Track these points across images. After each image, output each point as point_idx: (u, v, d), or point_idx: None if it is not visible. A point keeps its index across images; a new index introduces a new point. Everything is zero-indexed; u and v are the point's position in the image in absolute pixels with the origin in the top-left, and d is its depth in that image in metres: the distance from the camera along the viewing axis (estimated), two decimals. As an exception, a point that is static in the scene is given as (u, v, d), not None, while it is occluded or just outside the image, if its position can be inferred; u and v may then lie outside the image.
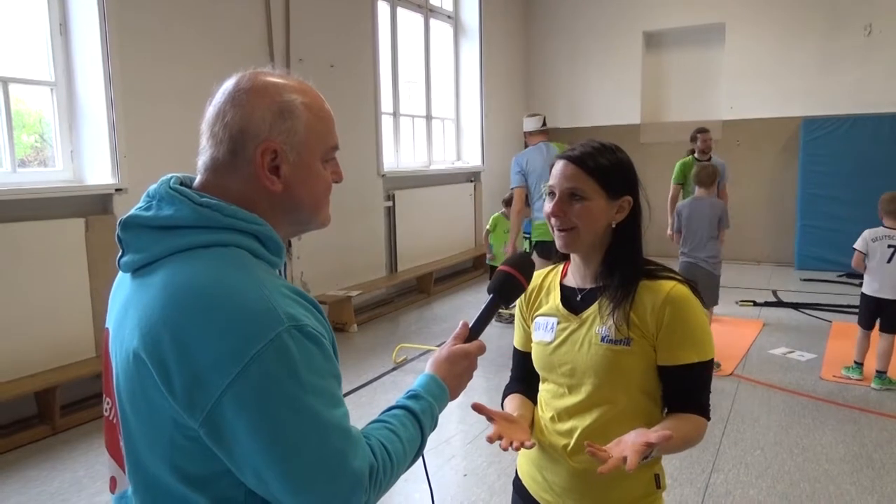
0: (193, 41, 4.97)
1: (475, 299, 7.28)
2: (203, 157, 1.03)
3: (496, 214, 6.56)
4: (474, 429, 3.93)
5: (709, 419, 1.42)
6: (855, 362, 4.63)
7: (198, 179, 1.04)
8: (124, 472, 1.04)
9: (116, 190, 4.43)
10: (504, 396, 1.64)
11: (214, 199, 0.98)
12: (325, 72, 6.25)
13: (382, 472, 0.98)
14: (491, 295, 1.37)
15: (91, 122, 4.46)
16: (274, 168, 1.00)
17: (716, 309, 5.45)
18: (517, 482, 1.62)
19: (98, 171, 4.49)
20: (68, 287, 4.19)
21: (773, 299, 6.98)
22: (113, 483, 1.10)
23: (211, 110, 1.03)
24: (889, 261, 4.36)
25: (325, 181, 1.07)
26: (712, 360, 1.42)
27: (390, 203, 7.33)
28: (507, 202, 6.47)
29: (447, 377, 1.20)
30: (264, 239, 1.00)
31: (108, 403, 1.08)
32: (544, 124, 5.62)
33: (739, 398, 4.34)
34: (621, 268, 1.43)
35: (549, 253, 4.09)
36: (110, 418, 1.08)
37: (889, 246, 4.37)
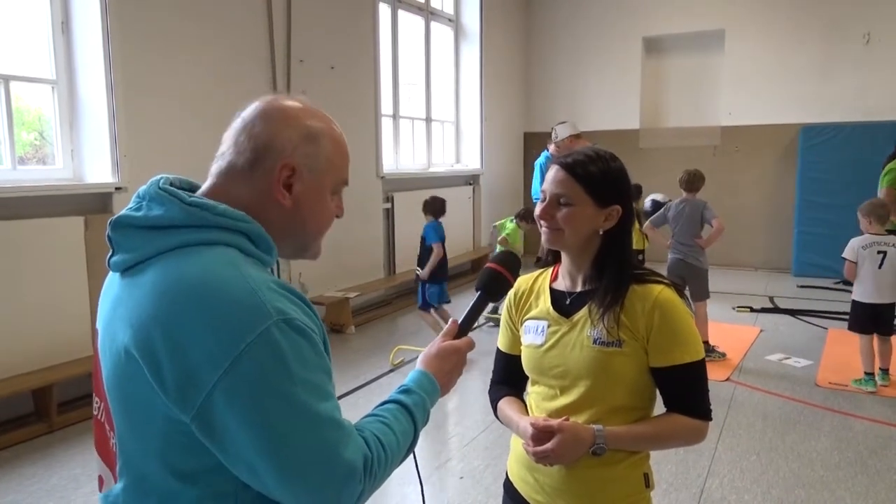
0: (195, 41, 4.98)
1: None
2: (219, 163, 1.05)
3: (512, 225, 6.32)
4: (470, 431, 3.93)
5: (708, 419, 1.46)
6: (866, 373, 4.53)
7: (207, 183, 1.06)
8: (112, 471, 1.04)
9: (116, 188, 4.44)
10: (495, 401, 1.65)
11: (204, 198, 1.00)
12: (326, 73, 6.27)
13: (377, 463, 0.99)
14: (478, 292, 1.40)
15: (91, 120, 4.46)
16: (287, 185, 1.03)
17: (712, 314, 5.47)
18: (508, 483, 1.63)
19: (98, 170, 4.49)
20: (67, 285, 4.19)
21: (769, 305, 7.00)
22: (101, 482, 1.11)
23: (238, 122, 1.06)
24: (880, 266, 4.41)
25: (330, 212, 1.11)
26: (703, 360, 1.45)
27: (389, 205, 7.35)
28: (522, 216, 6.29)
29: (438, 373, 1.22)
30: (254, 237, 1.01)
31: (97, 403, 1.10)
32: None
33: (735, 403, 4.35)
34: (610, 272, 1.46)
35: None
36: (99, 418, 1.09)
37: (879, 252, 4.42)
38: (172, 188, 1.01)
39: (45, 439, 3.86)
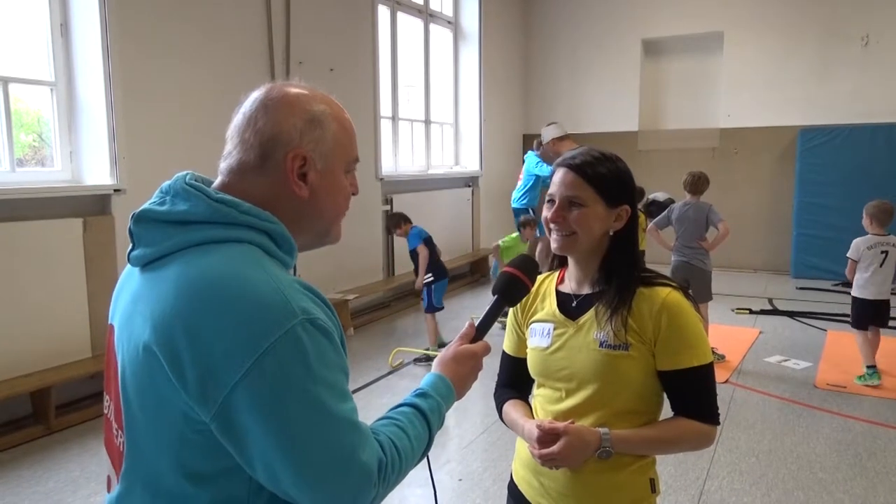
0: (194, 43, 4.98)
1: (472, 304, 7.29)
2: (228, 161, 1.04)
3: (514, 235, 6.37)
4: (469, 433, 3.93)
5: (716, 424, 1.44)
6: (868, 367, 4.63)
7: (218, 181, 1.05)
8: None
9: (115, 190, 4.43)
10: (500, 404, 1.64)
11: (229, 196, 0.99)
12: (325, 75, 6.26)
13: (391, 467, 0.98)
14: (496, 296, 1.38)
15: (90, 122, 4.46)
16: (301, 175, 1.03)
17: (711, 316, 5.47)
18: (512, 487, 1.63)
19: (97, 172, 4.49)
20: (65, 287, 4.18)
21: (768, 307, 7.00)
22: (109, 482, 1.10)
23: (239, 117, 1.05)
24: (882, 265, 4.60)
25: (346, 191, 1.10)
26: (711, 363, 1.44)
27: (388, 207, 7.34)
28: (525, 224, 6.31)
29: (454, 377, 1.21)
30: (277, 238, 1.01)
31: (108, 401, 1.08)
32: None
33: (734, 405, 4.35)
34: (618, 274, 1.45)
35: None
36: (110, 417, 1.08)
37: (882, 252, 4.61)
38: (198, 184, 1.01)
39: (43, 442, 3.85)
